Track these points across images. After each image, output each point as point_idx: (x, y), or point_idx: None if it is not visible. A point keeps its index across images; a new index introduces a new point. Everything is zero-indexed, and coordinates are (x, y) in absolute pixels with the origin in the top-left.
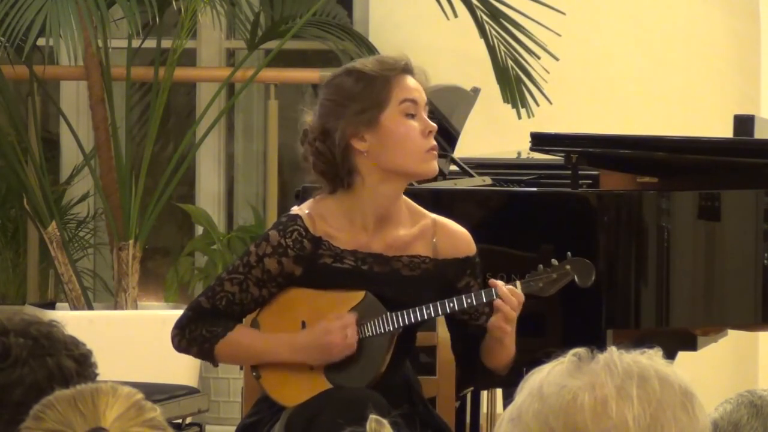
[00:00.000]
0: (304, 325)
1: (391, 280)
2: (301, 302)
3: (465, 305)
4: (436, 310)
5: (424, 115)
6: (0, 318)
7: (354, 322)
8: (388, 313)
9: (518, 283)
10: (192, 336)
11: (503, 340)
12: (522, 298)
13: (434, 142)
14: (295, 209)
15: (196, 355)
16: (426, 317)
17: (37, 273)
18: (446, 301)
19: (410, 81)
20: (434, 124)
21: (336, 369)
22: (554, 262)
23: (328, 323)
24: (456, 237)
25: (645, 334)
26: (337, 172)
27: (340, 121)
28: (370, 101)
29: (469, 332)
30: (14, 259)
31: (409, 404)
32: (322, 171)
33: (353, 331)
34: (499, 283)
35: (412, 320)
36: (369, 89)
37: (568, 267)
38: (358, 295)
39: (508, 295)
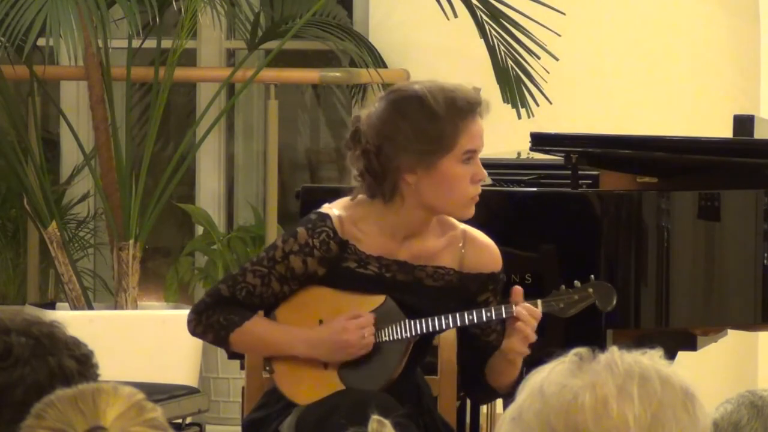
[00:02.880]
0: (321, 323)
1: (413, 289)
2: (321, 301)
3: (484, 319)
4: (454, 321)
5: (478, 161)
6: (1, 317)
7: (372, 323)
8: (406, 320)
9: (539, 302)
10: (208, 322)
11: (515, 361)
12: (540, 316)
13: (479, 189)
14: (326, 207)
15: (212, 342)
16: (444, 327)
17: (37, 273)
18: (465, 313)
19: (477, 127)
20: (485, 173)
21: (350, 370)
22: (576, 283)
23: (345, 322)
24: (484, 251)
25: (645, 334)
26: (380, 188)
27: (399, 150)
28: (434, 145)
29: (478, 346)
30: (14, 259)
31: (416, 409)
32: (367, 182)
33: (370, 331)
34: (520, 301)
35: (430, 329)
36: (437, 131)
37: (590, 290)
38: (378, 299)
39: (527, 315)
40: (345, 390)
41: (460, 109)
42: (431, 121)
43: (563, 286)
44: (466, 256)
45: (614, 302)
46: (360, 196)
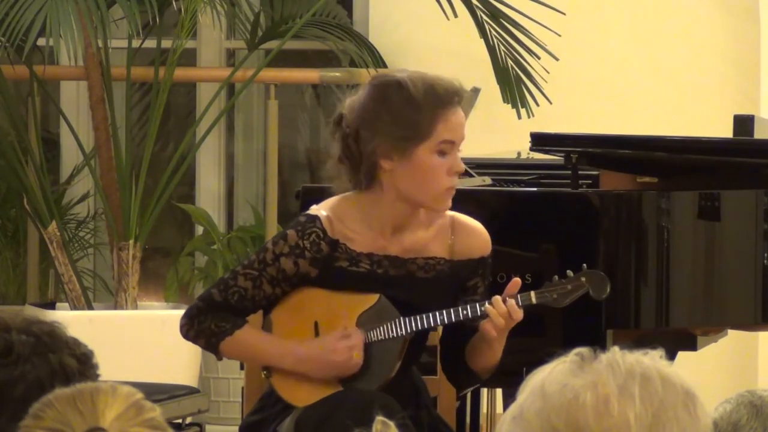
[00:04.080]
0: (316, 325)
1: (405, 283)
2: (315, 302)
3: (478, 313)
4: (449, 317)
5: (457, 153)
6: (2, 316)
7: (361, 344)
8: (401, 318)
9: (533, 294)
10: (200, 328)
11: (492, 343)
12: (518, 315)
13: (456, 181)
14: (313, 209)
15: (203, 347)
16: (439, 323)
17: (37, 273)
18: (460, 308)
19: (456, 117)
20: (463, 165)
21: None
22: (569, 273)
23: (336, 342)
24: (473, 236)
25: (645, 334)
26: (357, 174)
27: (376, 134)
28: (411, 131)
29: (464, 332)
30: (14, 259)
31: (416, 408)
32: (347, 167)
33: (360, 352)
34: (513, 292)
35: (425, 326)
36: (414, 117)
37: (583, 279)
38: (372, 298)
39: (498, 310)
40: (345, 390)
41: (438, 97)
42: (408, 106)
43: (556, 277)
44: (456, 243)
45: (608, 290)
46: (347, 195)
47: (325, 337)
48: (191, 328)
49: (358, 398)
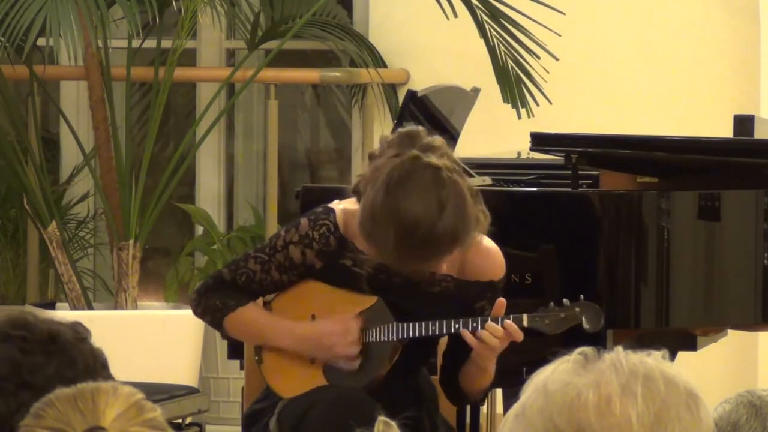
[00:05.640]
0: (314, 318)
1: (407, 292)
2: (315, 295)
3: (470, 329)
4: (441, 329)
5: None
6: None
7: (357, 331)
8: (395, 324)
9: (525, 317)
10: (207, 304)
11: (486, 367)
12: (519, 336)
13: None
14: (335, 203)
15: (209, 323)
16: (430, 333)
17: (37, 273)
18: (452, 321)
19: (428, 263)
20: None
21: (334, 367)
22: (565, 302)
23: (333, 326)
24: (485, 258)
25: (645, 334)
26: None
27: (362, 211)
28: (377, 253)
29: (466, 349)
30: (14, 259)
31: (416, 410)
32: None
33: (356, 340)
34: (501, 314)
35: (416, 334)
36: (381, 253)
37: (577, 310)
38: (370, 300)
39: (498, 332)
40: (325, 387)
41: (406, 254)
42: (384, 245)
43: (551, 304)
44: (466, 262)
45: (602, 323)
46: None
47: (326, 320)
48: (199, 305)
49: (339, 396)
